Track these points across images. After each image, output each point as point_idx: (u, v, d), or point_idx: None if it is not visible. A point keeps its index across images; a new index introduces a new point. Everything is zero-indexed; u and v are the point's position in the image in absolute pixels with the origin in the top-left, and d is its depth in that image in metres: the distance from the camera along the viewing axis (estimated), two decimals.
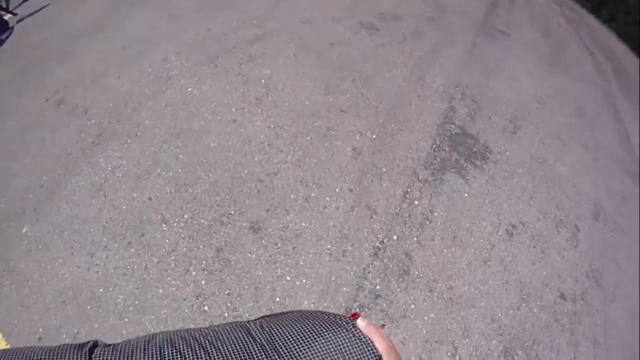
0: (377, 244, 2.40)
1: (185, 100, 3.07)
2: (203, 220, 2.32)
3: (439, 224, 2.63)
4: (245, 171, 2.56)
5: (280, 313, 0.61)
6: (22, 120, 2.93)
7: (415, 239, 2.51)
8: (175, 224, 2.30)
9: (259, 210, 2.37)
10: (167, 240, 2.23)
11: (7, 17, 4.12)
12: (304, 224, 2.35)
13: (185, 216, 2.34)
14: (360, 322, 0.53)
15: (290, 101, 3.10)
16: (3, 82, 3.37)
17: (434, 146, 3.07)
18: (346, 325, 0.52)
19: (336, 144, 2.81)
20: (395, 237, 2.46)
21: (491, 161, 3.21)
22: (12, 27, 3.99)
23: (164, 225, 2.29)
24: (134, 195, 2.43)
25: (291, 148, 2.72)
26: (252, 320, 0.57)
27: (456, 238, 2.64)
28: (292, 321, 0.53)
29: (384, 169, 2.75)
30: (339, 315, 0.55)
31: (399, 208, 2.59)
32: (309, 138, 2.81)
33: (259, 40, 3.80)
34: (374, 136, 2.95)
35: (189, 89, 3.18)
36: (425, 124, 3.22)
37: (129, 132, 2.81)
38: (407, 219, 2.57)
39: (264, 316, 0.61)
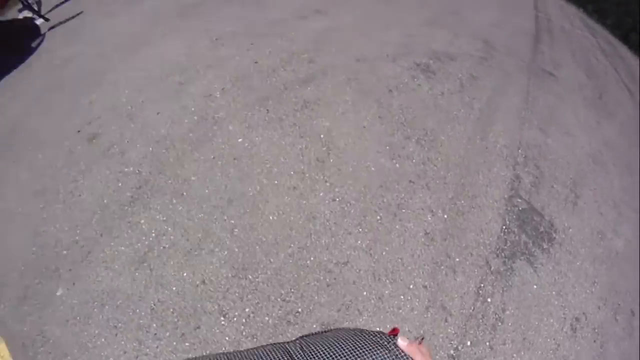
0: (452, 351, 2.22)
1: (235, 154, 2.80)
2: (267, 318, 2.10)
3: (510, 324, 2.46)
4: (312, 258, 2.33)
5: (319, 332, 0.59)
6: (51, 153, 2.65)
7: (487, 343, 2.34)
8: (235, 319, 2.08)
9: (329, 309, 2.16)
10: (226, 338, 2.02)
11: (39, 22, 3.78)
12: (378, 328, 2.15)
13: (247, 310, 2.12)
14: (401, 342, 0.51)
15: (355, 166, 2.84)
16: (31, 101, 3.05)
17: (504, 227, 2.86)
18: (387, 345, 0.50)
19: (407, 226, 2.58)
20: (469, 343, 2.28)
21: (557, 242, 3.03)
22: (44, 34, 3.65)
23: (222, 319, 2.07)
24: (184, 274, 2.19)
25: (360, 230, 2.49)
26: (291, 342, 0.55)
27: (525, 340, 2.48)
28: (332, 341, 0.51)
29: (457, 259, 2.54)
30: (379, 334, 0.53)
31: (472, 308, 2.40)
32: (378, 217, 2.58)
33: (313, 80, 3.49)
34: (445, 216, 2.72)
35: (239, 140, 2.90)
36: (494, 199, 3.00)
37: (173, 189, 2.54)
38: (481, 320, 2.39)
39: (303, 336, 0.59)
